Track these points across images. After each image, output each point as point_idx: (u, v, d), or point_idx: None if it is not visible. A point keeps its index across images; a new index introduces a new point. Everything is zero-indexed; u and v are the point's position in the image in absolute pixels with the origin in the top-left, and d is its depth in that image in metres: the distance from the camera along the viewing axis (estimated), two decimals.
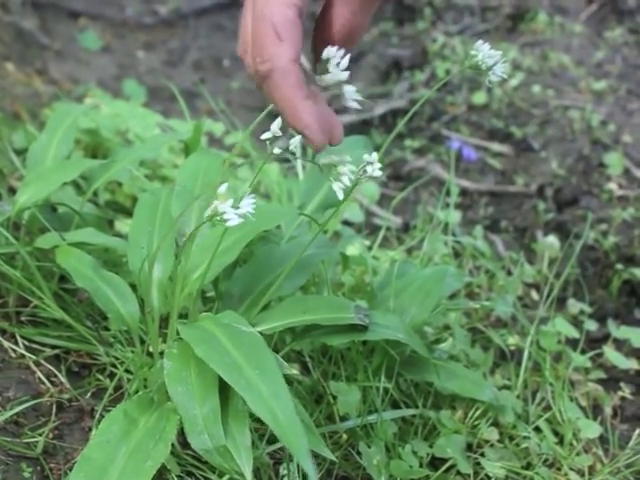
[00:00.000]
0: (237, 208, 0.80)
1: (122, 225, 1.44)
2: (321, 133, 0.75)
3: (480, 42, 1.04)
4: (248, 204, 0.80)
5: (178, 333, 0.90)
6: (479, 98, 2.39)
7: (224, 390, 0.86)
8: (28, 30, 2.50)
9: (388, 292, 1.17)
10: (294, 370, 0.89)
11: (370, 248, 1.58)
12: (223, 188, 0.80)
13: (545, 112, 2.34)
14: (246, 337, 0.84)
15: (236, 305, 1.02)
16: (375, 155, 0.82)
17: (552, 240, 1.74)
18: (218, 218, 0.80)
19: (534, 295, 1.65)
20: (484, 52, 1.04)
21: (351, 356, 1.15)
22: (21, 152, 1.58)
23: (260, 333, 0.97)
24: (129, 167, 1.22)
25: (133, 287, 1.06)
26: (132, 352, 1.10)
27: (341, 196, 0.82)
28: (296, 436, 0.75)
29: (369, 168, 0.83)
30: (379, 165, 0.83)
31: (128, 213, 1.52)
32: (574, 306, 1.59)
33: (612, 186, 2.04)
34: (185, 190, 1.04)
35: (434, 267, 1.23)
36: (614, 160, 2.11)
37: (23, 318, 1.14)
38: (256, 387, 0.78)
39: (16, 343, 1.10)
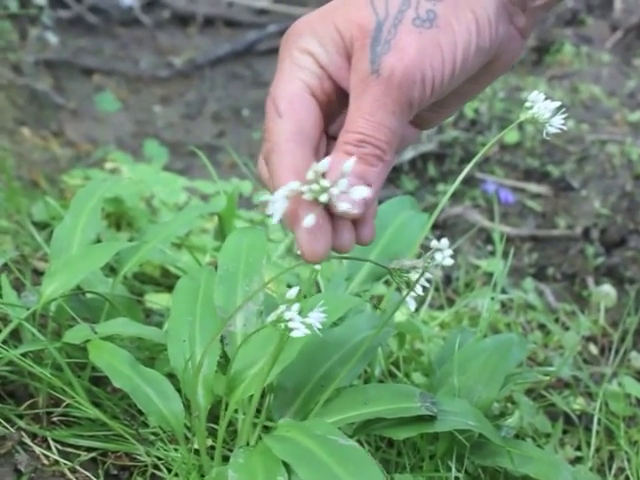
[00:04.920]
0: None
1: (153, 297, 1.36)
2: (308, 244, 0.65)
3: (535, 92, 0.97)
4: (318, 318, 0.72)
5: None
6: (511, 137, 2.29)
7: None
8: (42, 91, 2.44)
9: (449, 368, 1.07)
10: None
11: (416, 310, 1.48)
12: (293, 292, 0.71)
13: (581, 148, 2.25)
14: (348, 452, 0.74)
15: (290, 399, 0.93)
16: (445, 241, 0.72)
17: (608, 289, 1.64)
18: (282, 326, 0.72)
19: (592, 349, 1.55)
20: (539, 103, 0.97)
21: (414, 440, 1.05)
22: (42, 225, 1.51)
23: None
24: (160, 246, 1.14)
25: (171, 376, 0.98)
26: (175, 450, 1.01)
27: (413, 307, 0.72)
28: None
29: (438, 256, 0.73)
30: (450, 252, 0.72)
31: (157, 284, 1.45)
32: (637, 359, 1.49)
33: None
34: (228, 273, 0.95)
35: (496, 337, 1.13)
36: None
37: (55, 419, 1.05)
38: None
39: (49, 448, 1.01)
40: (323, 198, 0.62)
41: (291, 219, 0.64)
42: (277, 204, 0.62)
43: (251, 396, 0.85)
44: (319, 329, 1.00)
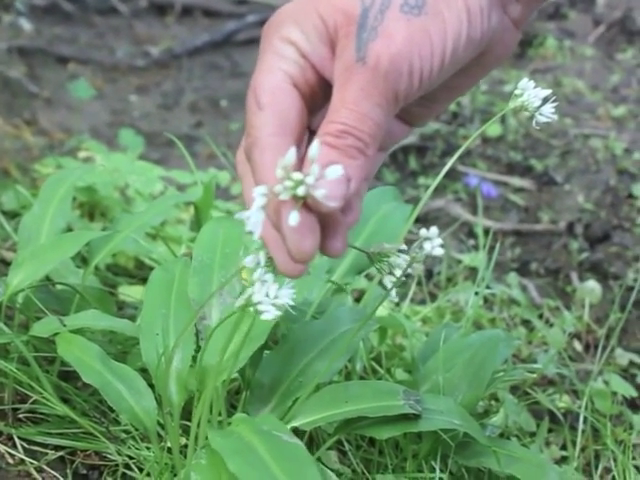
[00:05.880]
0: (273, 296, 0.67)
1: (126, 290, 1.31)
2: (295, 243, 0.61)
3: (525, 80, 0.93)
4: (287, 294, 0.67)
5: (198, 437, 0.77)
6: (494, 130, 2.26)
7: None
8: (15, 79, 2.38)
9: (433, 364, 1.03)
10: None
11: (397, 304, 1.45)
12: (250, 260, 0.66)
13: (565, 142, 2.22)
14: (289, 449, 0.70)
15: (267, 396, 0.88)
16: (435, 230, 0.68)
17: (592, 285, 1.60)
18: (252, 309, 0.68)
19: (577, 345, 1.52)
20: (529, 91, 0.92)
21: (396, 439, 1.01)
22: (12, 215, 1.46)
23: (297, 429, 0.85)
24: (134, 236, 1.09)
25: (144, 371, 0.93)
26: (147, 448, 0.97)
27: (394, 295, 0.68)
28: None
29: (427, 245, 0.68)
30: (440, 241, 0.68)
31: (131, 276, 1.40)
32: (622, 357, 1.46)
33: None
34: (203, 265, 0.90)
35: (482, 333, 1.09)
36: None
37: (21, 415, 1.00)
38: None
39: (14, 446, 0.96)
40: (300, 191, 0.57)
41: (275, 219, 0.60)
42: (254, 218, 0.58)
43: (216, 389, 0.81)
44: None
